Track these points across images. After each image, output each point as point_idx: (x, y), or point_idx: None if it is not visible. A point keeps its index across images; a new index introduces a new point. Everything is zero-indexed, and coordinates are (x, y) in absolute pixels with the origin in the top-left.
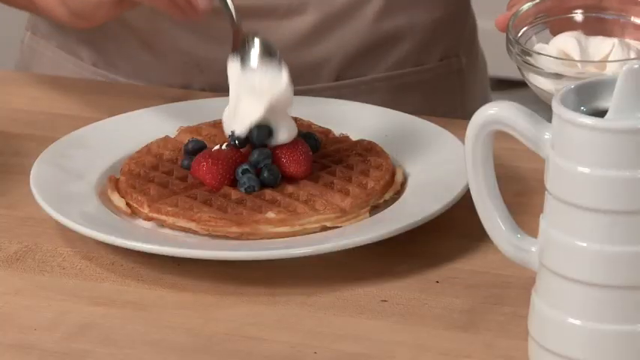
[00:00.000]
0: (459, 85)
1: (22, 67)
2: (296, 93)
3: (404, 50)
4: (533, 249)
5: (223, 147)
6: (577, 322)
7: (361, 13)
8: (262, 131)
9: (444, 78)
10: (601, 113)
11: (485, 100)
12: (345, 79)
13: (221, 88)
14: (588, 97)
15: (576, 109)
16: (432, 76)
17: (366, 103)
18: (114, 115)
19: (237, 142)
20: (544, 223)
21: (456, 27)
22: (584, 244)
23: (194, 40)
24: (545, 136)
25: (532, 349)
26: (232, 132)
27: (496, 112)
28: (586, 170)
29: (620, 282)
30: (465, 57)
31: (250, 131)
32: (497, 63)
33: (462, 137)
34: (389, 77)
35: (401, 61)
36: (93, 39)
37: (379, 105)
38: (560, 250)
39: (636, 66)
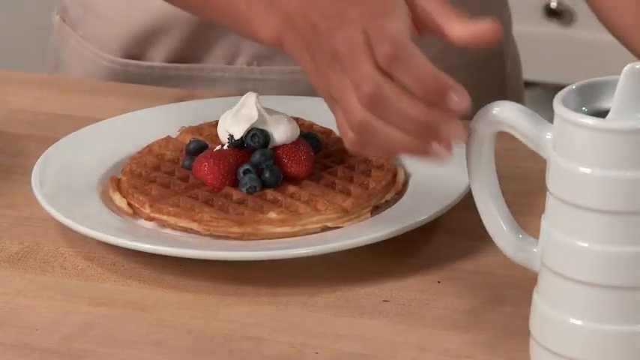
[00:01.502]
0: (499, 66)
1: (52, 51)
2: None
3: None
4: (535, 249)
5: (225, 147)
6: (578, 322)
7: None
8: (257, 137)
9: (486, 60)
10: (603, 113)
11: (520, 85)
12: None
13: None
14: (590, 97)
15: (577, 109)
16: (474, 58)
17: None
18: (115, 115)
19: (232, 144)
20: (545, 223)
21: (497, 10)
22: (585, 245)
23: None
24: (547, 137)
25: (533, 349)
26: (231, 135)
27: (498, 112)
28: (587, 170)
29: (621, 282)
30: (504, 41)
31: (246, 135)
32: None
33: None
34: (433, 60)
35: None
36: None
37: None
38: (561, 250)
39: (637, 66)
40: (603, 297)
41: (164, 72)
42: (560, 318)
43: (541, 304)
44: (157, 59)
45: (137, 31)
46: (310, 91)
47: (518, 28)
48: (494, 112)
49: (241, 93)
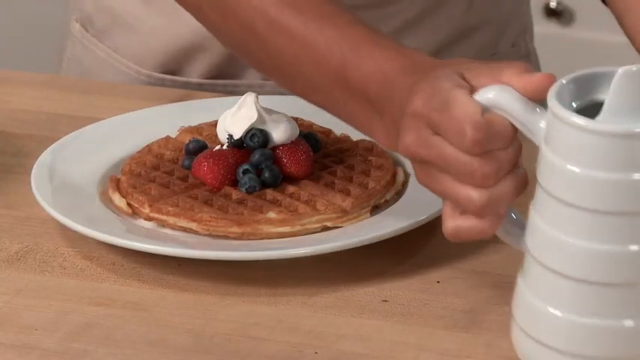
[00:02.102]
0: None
1: (74, 59)
2: None
3: (484, 39)
4: (523, 232)
5: (224, 147)
6: (556, 312)
7: (450, 5)
8: (257, 137)
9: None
10: (598, 106)
11: None
12: None
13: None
14: (587, 89)
15: (575, 100)
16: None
17: None
18: (115, 115)
19: (232, 144)
20: (533, 211)
21: (523, 13)
22: (567, 239)
23: None
24: (541, 125)
25: (513, 330)
26: (230, 135)
27: (494, 95)
28: (575, 169)
29: (598, 278)
30: (531, 42)
31: (245, 135)
32: None
33: None
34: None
35: (480, 50)
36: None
37: None
38: (544, 240)
39: (632, 69)
40: (580, 290)
41: (200, 87)
42: (538, 304)
43: (523, 286)
44: (194, 75)
45: (176, 46)
46: None
47: None
48: (490, 95)
49: None
